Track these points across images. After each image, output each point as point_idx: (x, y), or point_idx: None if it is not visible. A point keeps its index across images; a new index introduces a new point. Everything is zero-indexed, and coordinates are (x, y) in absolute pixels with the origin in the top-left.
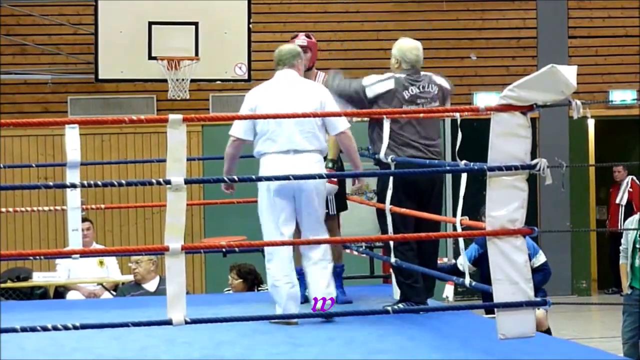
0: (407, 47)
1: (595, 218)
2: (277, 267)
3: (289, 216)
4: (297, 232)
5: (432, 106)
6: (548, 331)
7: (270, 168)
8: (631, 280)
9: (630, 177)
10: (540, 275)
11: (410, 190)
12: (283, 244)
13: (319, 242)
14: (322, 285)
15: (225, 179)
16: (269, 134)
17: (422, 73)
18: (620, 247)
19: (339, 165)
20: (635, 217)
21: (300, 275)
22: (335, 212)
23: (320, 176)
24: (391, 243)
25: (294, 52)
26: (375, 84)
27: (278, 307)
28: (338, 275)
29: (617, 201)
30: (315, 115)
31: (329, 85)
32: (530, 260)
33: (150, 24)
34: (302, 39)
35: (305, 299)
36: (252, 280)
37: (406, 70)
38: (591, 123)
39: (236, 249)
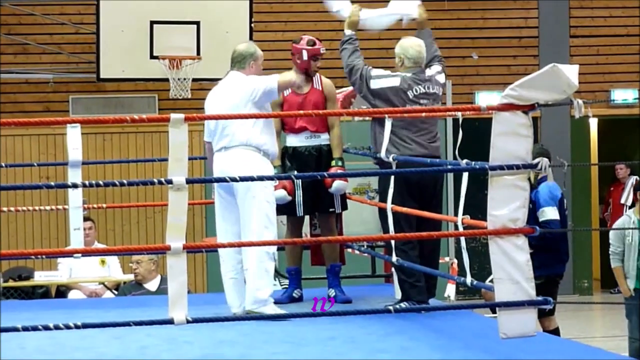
0: (408, 44)
1: (598, 217)
2: (223, 264)
3: (230, 214)
4: (293, 231)
5: (435, 106)
6: (556, 331)
7: (214, 166)
8: (636, 282)
9: (634, 177)
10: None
11: (412, 189)
12: (285, 243)
13: (319, 242)
14: (250, 295)
15: (236, 177)
16: (212, 135)
17: (429, 74)
18: (611, 250)
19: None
20: (626, 218)
21: (292, 275)
22: (340, 210)
23: (322, 175)
24: (393, 242)
25: (245, 54)
26: (381, 78)
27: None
28: (336, 274)
29: (622, 201)
30: (315, 114)
31: (343, 54)
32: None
33: (152, 23)
34: (323, 48)
35: (291, 298)
36: None
37: (411, 69)
38: (593, 122)
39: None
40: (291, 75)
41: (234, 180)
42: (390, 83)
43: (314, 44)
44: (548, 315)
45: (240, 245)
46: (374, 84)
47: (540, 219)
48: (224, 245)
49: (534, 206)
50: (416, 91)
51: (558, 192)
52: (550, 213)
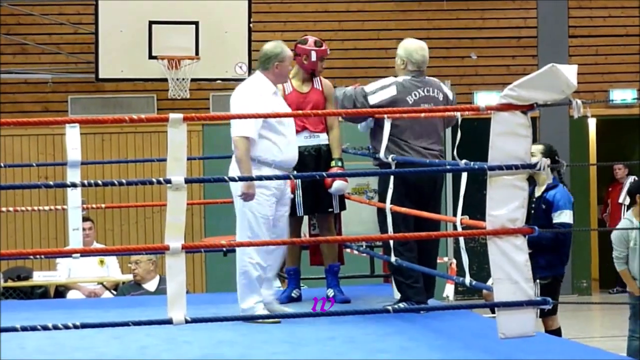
0: (413, 47)
1: (597, 217)
2: None
3: None
4: (292, 231)
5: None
6: (558, 331)
7: None
8: None
9: (632, 177)
10: (552, 234)
11: (410, 190)
12: (284, 243)
13: (321, 242)
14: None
15: (234, 177)
16: None
17: (429, 78)
18: (614, 254)
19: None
20: (627, 223)
21: (291, 275)
22: (339, 211)
23: (321, 175)
24: (391, 243)
25: (270, 54)
26: (377, 92)
27: None
28: (335, 274)
29: (620, 201)
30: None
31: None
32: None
33: (151, 23)
34: (328, 49)
35: (290, 298)
36: None
37: (411, 72)
38: (591, 122)
39: (236, 248)
40: (248, 168)
41: (232, 179)
42: (388, 94)
43: (321, 44)
44: (551, 314)
45: (239, 245)
46: (373, 100)
47: (556, 220)
48: (223, 245)
49: (548, 206)
50: (415, 95)
51: (571, 196)
52: (568, 216)
